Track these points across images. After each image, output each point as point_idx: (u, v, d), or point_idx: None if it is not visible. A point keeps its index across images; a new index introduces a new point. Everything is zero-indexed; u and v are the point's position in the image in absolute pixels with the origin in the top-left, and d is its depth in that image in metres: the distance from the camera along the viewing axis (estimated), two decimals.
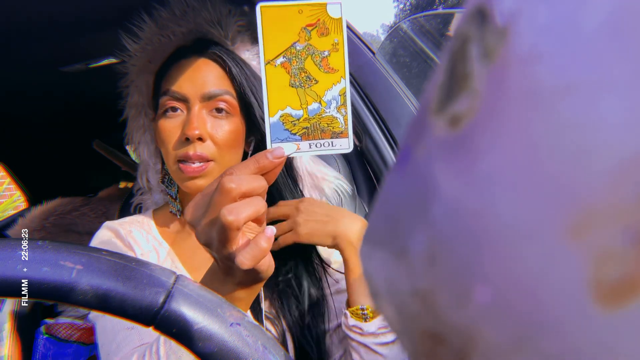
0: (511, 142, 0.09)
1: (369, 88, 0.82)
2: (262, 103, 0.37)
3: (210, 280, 0.43)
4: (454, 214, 0.10)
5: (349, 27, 0.85)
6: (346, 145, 0.38)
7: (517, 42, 0.09)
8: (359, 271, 0.58)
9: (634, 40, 0.08)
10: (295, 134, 0.37)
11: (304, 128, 0.37)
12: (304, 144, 0.37)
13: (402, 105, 0.82)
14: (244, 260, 0.36)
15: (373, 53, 0.85)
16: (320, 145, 0.38)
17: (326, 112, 0.37)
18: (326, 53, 0.36)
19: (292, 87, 0.36)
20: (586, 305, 0.08)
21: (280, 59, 0.36)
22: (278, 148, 0.36)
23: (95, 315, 0.59)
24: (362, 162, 0.90)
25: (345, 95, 0.37)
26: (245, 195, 0.36)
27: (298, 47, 0.36)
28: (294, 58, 0.36)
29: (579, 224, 0.08)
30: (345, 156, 0.95)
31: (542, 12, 0.09)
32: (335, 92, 0.37)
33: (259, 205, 0.36)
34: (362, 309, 0.57)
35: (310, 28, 0.36)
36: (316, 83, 0.37)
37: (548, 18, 0.09)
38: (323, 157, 0.86)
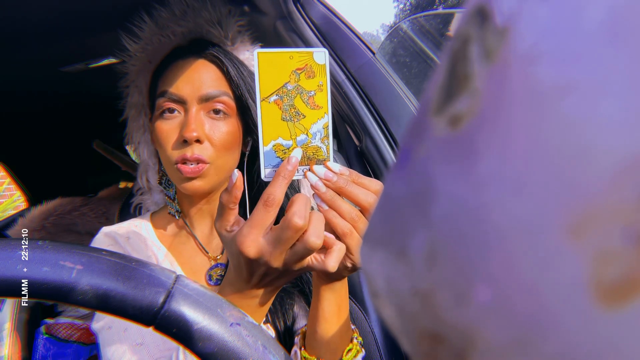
0: (511, 142, 0.09)
1: (369, 88, 0.82)
2: (258, 134, 0.43)
3: (236, 295, 0.45)
4: (454, 214, 0.10)
5: (349, 28, 0.85)
6: None
7: (517, 42, 0.09)
8: (336, 319, 0.51)
9: (634, 39, 0.08)
10: (282, 160, 0.43)
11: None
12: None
13: (402, 105, 0.82)
14: (333, 264, 0.42)
15: (373, 53, 0.85)
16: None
17: (312, 143, 0.43)
18: (312, 93, 0.43)
19: (283, 120, 0.43)
20: (586, 305, 0.08)
21: (274, 97, 0.42)
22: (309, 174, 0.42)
23: (99, 328, 0.58)
24: (362, 162, 0.90)
25: (328, 129, 0.44)
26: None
27: (289, 87, 0.42)
28: (285, 96, 0.42)
29: (579, 223, 0.08)
30: (345, 156, 0.95)
31: (542, 11, 0.09)
32: (320, 125, 0.43)
33: (323, 223, 0.42)
34: None
35: (299, 71, 0.42)
36: (304, 118, 0.43)
37: (548, 18, 0.09)
38: None
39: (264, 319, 0.62)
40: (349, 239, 0.43)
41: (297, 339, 0.58)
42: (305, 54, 0.42)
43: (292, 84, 0.42)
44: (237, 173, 0.41)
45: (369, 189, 0.43)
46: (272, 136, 0.42)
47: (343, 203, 0.43)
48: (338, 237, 0.44)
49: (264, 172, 0.43)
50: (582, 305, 0.08)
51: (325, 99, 0.43)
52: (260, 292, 0.44)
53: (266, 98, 0.42)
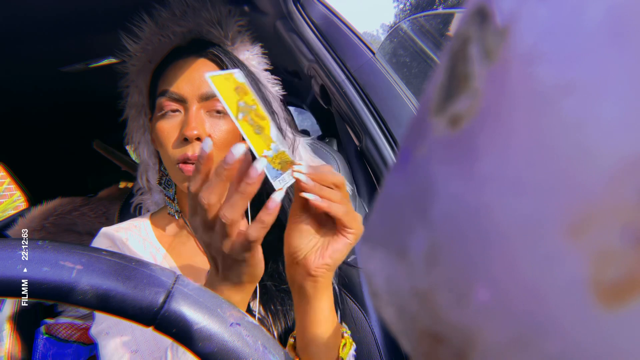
0: (511, 142, 0.09)
1: (369, 88, 0.82)
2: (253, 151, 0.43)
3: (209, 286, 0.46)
4: (454, 214, 0.10)
5: (349, 28, 0.85)
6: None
7: (517, 42, 0.09)
8: (331, 319, 0.51)
9: (634, 39, 0.08)
10: (279, 170, 0.44)
11: (279, 163, 0.44)
12: (287, 175, 0.45)
13: (402, 105, 0.82)
14: (230, 212, 0.42)
15: (373, 53, 0.85)
16: (289, 177, 0.45)
17: (280, 148, 0.45)
18: (254, 107, 0.44)
19: (257, 134, 0.44)
20: (586, 305, 0.08)
21: (241, 114, 0.43)
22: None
23: (97, 333, 0.58)
24: (362, 162, 0.90)
25: (278, 135, 0.45)
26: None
27: (241, 104, 0.43)
28: (245, 113, 0.43)
29: (579, 223, 0.08)
30: (345, 156, 0.95)
31: (542, 12, 0.09)
32: (274, 133, 0.45)
33: (245, 202, 0.42)
34: None
35: (237, 90, 0.44)
36: (263, 129, 0.44)
37: (548, 18, 0.09)
38: (323, 157, 0.86)
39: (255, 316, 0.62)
40: (345, 216, 0.45)
41: (285, 351, 0.57)
42: (229, 76, 0.44)
43: (241, 101, 0.43)
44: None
45: (323, 170, 0.46)
46: (259, 150, 0.44)
47: (327, 189, 0.45)
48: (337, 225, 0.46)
49: (274, 184, 0.44)
50: (582, 305, 0.08)
51: (262, 110, 0.44)
52: (232, 288, 0.45)
53: (237, 116, 0.43)
